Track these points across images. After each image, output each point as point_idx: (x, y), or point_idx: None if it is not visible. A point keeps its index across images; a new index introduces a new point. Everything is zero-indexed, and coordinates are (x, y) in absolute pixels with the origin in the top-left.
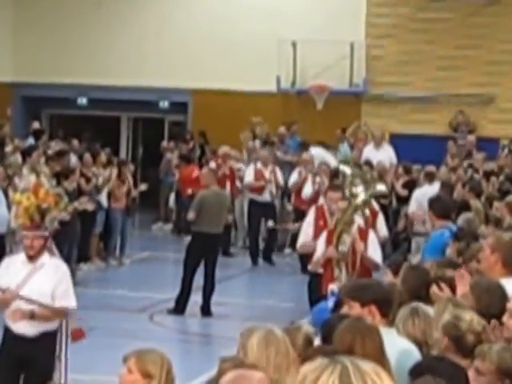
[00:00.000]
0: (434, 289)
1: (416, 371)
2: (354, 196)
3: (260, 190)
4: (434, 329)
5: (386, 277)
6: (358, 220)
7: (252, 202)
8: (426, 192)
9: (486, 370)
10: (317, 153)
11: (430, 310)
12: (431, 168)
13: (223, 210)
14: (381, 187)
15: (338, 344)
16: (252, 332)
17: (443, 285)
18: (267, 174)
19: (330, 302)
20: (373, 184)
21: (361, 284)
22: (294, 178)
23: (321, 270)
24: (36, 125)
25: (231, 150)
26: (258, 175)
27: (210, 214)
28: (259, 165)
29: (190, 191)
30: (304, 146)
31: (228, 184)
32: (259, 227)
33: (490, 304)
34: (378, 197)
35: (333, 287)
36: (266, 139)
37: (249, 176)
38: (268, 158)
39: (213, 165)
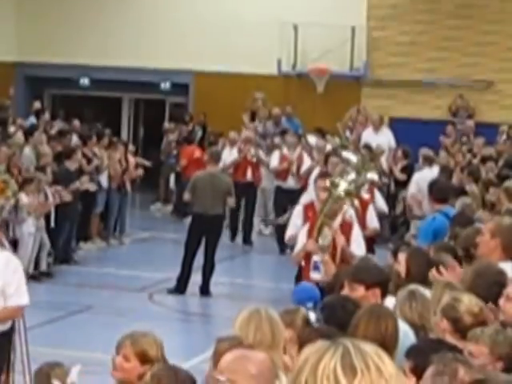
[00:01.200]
0: (433, 273)
1: (413, 353)
2: (334, 186)
3: (285, 176)
4: (431, 312)
5: (390, 260)
6: (349, 211)
7: (278, 189)
8: (425, 176)
9: (478, 353)
10: (313, 142)
11: (427, 293)
12: (429, 152)
13: (218, 191)
14: (372, 176)
15: (361, 329)
16: (247, 313)
17: (443, 269)
18: (294, 159)
19: (315, 275)
20: (364, 172)
21: (364, 267)
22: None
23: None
24: (37, 104)
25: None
26: (284, 161)
27: (204, 195)
28: (285, 150)
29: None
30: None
31: (249, 170)
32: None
33: (485, 288)
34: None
35: (316, 259)
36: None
37: (274, 161)
38: (295, 142)
39: (234, 151)
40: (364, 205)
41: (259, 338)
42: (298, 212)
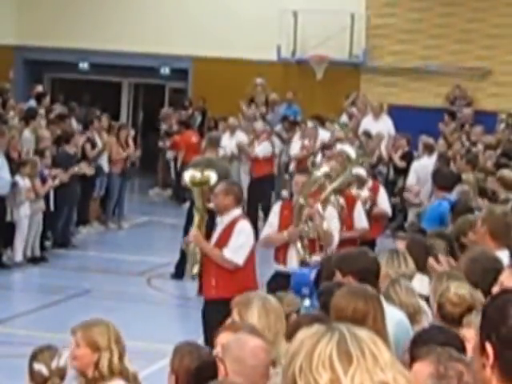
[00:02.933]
0: (430, 261)
1: (420, 340)
2: (314, 166)
3: (305, 164)
4: (415, 299)
5: (400, 245)
6: (333, 213)
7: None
8: (425, 164)
9: (471, 338)
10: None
11: (425, 281)
12: (430, 140)
13: None
14: (358, 171)
15: (346, 311)
16: (250, 301)
17: (441, 257)
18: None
19: (313, 274)
20: (349, 167)
21: (343, 255)
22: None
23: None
24: (39, 88)
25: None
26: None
27: None
28: (306, 141)
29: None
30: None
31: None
32: None
33: (480, 274)
34: (376, 165)
35: (317, 258)
36: (267, 107)
37: (294, 150)
38: (315, 133)
39: (238, 137)
40: (351, 202)
41: (279, 327)
42: (275, 210)
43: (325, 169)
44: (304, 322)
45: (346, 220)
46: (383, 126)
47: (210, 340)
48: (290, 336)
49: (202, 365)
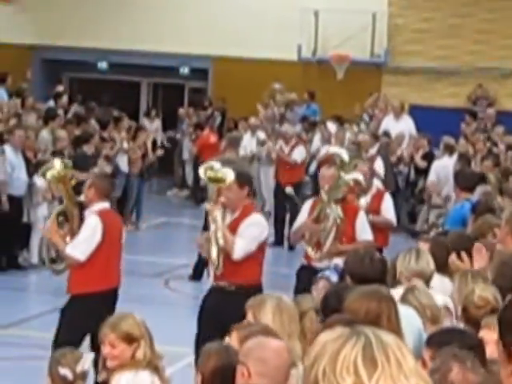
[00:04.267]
0: (452, 258)
1: (433, 341)
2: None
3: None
4: (433, 301)
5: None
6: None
7: None
8: (445, 164)
9: (490, 340)
10: (332, 129)
11: (446, 282)
12: (451, 140)
13: None
14: (354, 176)
15: (361, 312)
16: (264, 302)
17: (464, 255)
18: None
19: (334, 277)
20: (342, 172)
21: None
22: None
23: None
24: (60, 88)
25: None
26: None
27: None
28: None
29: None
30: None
31: None
32: None
33: (508, 278)
34: (397, 164)
35: (338, 261)
36: (287, 108)
37: (316, 151)
38: (342, 137)
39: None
40: (352, 212)
41: (293, 328)
42: (305, 207)
43: (356, 175)
44: (335, 324)
45: (346, 231)
46: (404, 126)
47: None
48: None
49: (228, 365)
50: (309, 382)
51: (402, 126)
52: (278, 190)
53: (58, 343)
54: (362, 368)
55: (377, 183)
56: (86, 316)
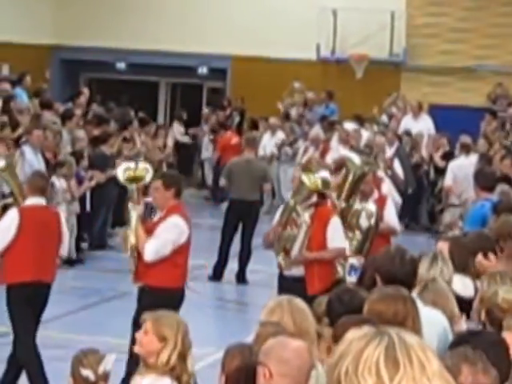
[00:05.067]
0: (479, 258)
1: (456, 345)
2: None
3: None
4: (448, 301)
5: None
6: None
7: None
8: (461, 164)
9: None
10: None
11: (466, 282)
12: (467, 139)
13: (254, 177)
14: (322, 176)
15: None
16: (274, 304)
17: (491, 255)
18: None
19: (352, 278)
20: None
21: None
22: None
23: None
24: (86, 91)
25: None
26: None
27: (240, 181)
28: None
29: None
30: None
31: None
32: None
33: None
34: (420, 165)
35: (353, 261)
36: (305, 107)
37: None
38: (358, 138)
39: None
40: (323, 217)
41: (305, 327)
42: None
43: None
44: (351, 323)
45: (316, 237)
46: (423, 126)
47: None
48: (335, 337)
49: (252, 364)
50: (332, 380)
51: (420, 126)
52: None
53: (16, 335)
54: (383, 369)
55: (387, 187)
56: (14, 304)
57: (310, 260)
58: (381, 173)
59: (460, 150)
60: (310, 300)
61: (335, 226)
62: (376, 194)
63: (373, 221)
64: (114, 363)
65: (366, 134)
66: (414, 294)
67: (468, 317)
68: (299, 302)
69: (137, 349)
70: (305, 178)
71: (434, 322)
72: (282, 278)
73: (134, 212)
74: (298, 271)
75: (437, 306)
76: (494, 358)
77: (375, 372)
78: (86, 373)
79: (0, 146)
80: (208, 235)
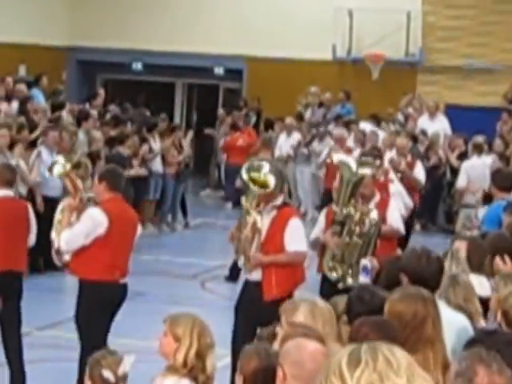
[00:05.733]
0: (496, 261)
1: (471, 345)
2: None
3: None
4: (475, 297)
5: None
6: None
7: None
8: (473, 164)
9: None
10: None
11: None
12: (479, 139)
13: None
14: (266, 179)
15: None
16: (297, 306)
17: (507, 258)
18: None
19: (364, 278)
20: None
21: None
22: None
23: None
24: (101, 91)
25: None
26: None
27: None
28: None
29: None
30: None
31: None
32: None
33: None
34: (439, 166)
35: (365, 262)
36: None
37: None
38: (375, 139)
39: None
40: (282, 219)
41: (327, 330)
42: (321, 216)
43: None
44: (367, 325)
45: (274, 240)
46: (439, 126)
47: None
48: (352, 338)
49: (268, 366)
50: None
51: (436, 126)
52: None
53: None
54: (345, 368)
55: (395, 188)
56: None
57: (265, 264)
58: (392, 175)
59: (472, 151)
60: (268, 305)
61: (294, 228)
62: (378, 197)
63: (373, 229)
64: (132, 364)
65: (382, 135)
66: (441, 290)
67: (485, 316)
68: (322, 304)
69: (159, 350)
70: (246, 177)
71: (452, 321)
72: (245, 282)
73: (61, 204)
74: (257, 275)
75: (467, 303)
76: (508, 358)
77: (338, 373)
78: (107, 374)
79: (17, 147)
80: (224, 236)
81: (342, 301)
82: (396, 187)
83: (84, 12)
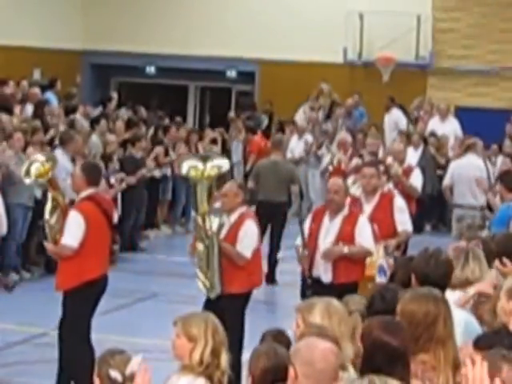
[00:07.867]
0: (496, 264)
1: (481, 343)
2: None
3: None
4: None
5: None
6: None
7: None
8: (459, 163)
9: None
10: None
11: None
12: (471, 140)
13: (281, 179)
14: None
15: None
16: (312, 306)
17: (506, 260)
18: None
19: (381, 279)
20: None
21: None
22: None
23: None
24: (114, 95)
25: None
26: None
27: (267, 183)
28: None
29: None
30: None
31: None
32: None
33: None
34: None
35: (382, 262)
36: (331, 110)
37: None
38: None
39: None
40: (238, 222)
41: (343, 329)
42: (309, 217)
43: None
44: (375, 324)
45: (228, 241)
46: (450, 128)
47: None
48: (362, 338)
49: (277, 365)
50: None
51: (447, 128)
52: None
53: None
54: None
55: (400, 201)
56: None
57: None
58: (390, 186)
59: (464, 150)
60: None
61: (247, 229)
62: (346, 211)
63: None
64: (140, 364)
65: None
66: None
67: None
68: (337, 304)
69: (173, 352)
70: (186, 169)
71: (466, 325)
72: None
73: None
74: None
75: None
76: None
77: None
78: (115, 374)
79: (33, 149)
80: None
81: (352, 300)
82: (400, 200)
83: (98, 16)
